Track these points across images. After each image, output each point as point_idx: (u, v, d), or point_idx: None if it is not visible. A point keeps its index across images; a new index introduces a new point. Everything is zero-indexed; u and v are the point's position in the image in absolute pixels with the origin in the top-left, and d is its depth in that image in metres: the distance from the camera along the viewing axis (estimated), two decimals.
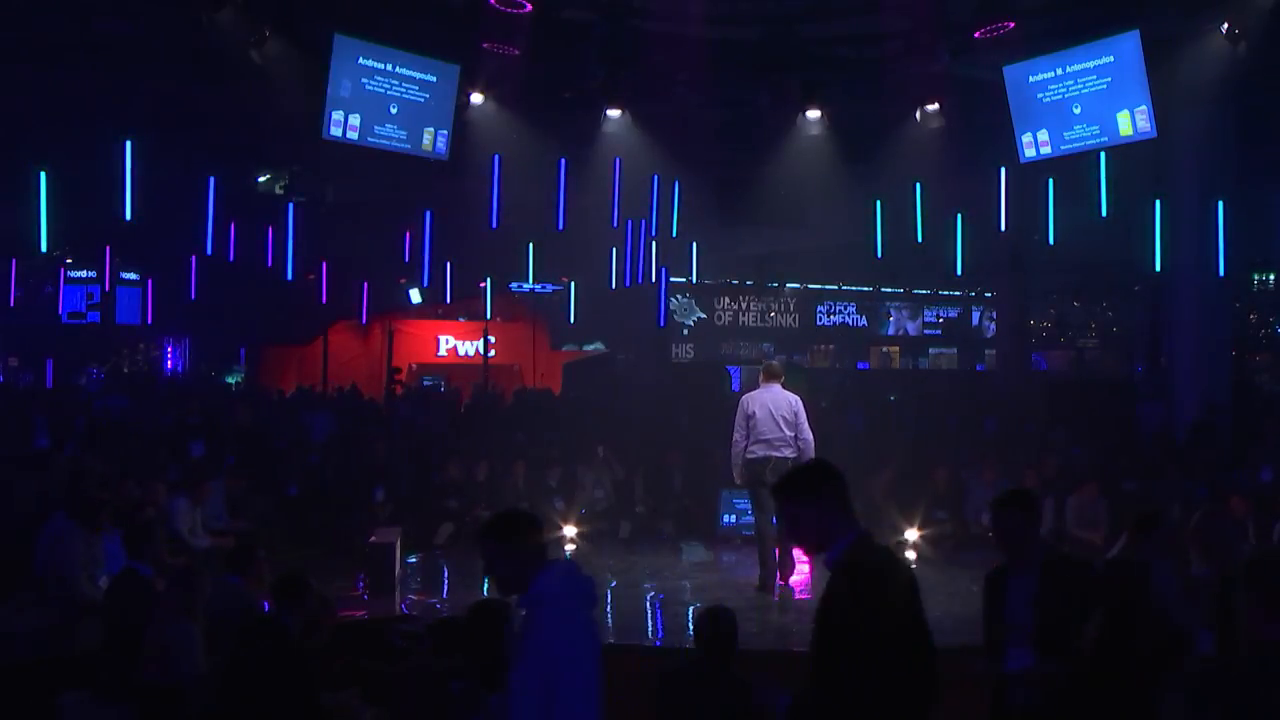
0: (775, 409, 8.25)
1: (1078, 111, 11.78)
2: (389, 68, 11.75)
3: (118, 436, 12.41)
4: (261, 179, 22.44)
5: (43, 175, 12.61)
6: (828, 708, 3.01)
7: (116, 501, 7.77)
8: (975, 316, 28.46)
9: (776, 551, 8.30)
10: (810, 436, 8.22)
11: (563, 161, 13.93)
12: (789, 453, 8.11)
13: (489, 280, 22.04)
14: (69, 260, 27.87)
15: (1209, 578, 4.66)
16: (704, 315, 25.32)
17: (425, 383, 22.55)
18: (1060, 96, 11.88)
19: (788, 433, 8.17)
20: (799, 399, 8.40)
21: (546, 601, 3.12)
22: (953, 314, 28.37)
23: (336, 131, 11.49)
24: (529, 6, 11.22)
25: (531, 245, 19.42)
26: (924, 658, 3.05)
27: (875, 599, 2.97)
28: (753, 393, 8.57)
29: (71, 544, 6.95)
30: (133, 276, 28.35)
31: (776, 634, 7.15)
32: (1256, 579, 2.93)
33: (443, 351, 23.79)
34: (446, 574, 9.29)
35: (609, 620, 7.63)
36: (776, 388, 8.45)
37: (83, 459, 9.94)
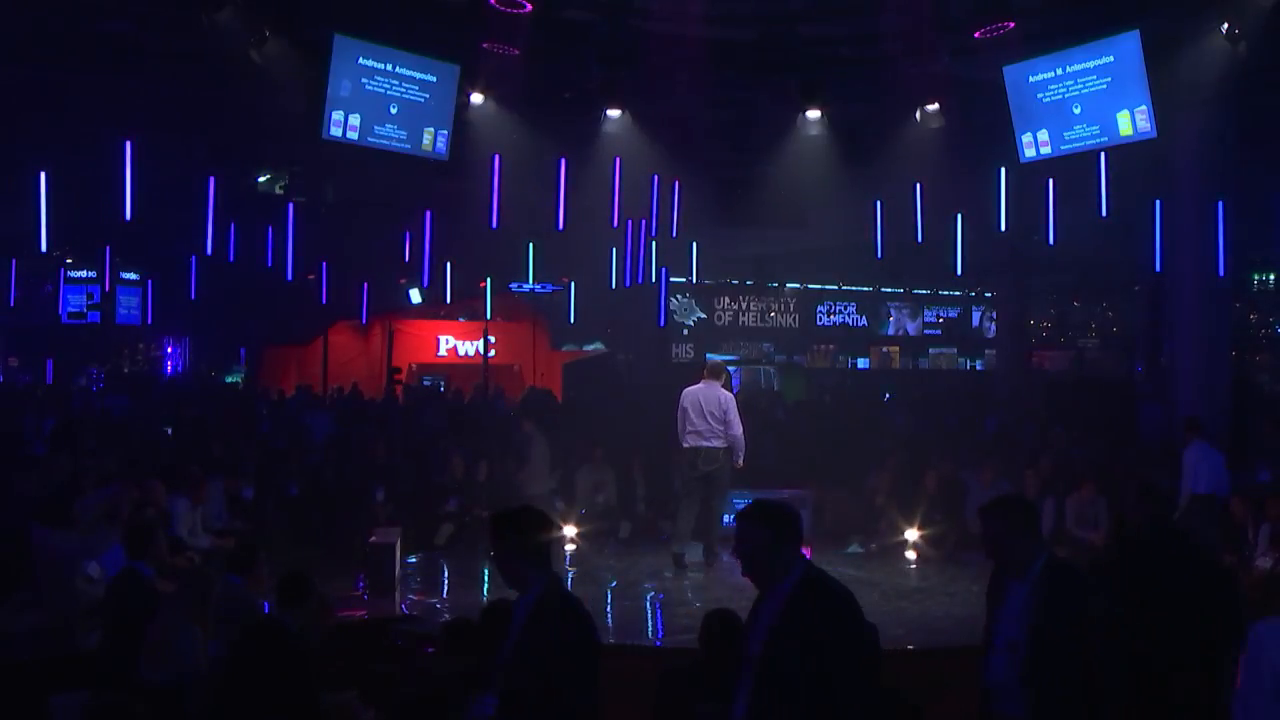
0: (705, 404, 9.06)
1: (1078, 111, 11.78)
2: (389, 68, 11.74)
3: (118, 436, 12.43)
4: (261, 179, 22.45)
5: (43, 175, 12.61)
6: None
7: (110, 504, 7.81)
8: (975, 317, 28.48)
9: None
10: (739, 432, 9.03)
11: (563, 161, 13.92)
12: (718, 443, 9.01)
13: (489, 280, 22.05)
14: (69, 260, 27.88)
15: None
16: (704, 315, 25.32)
17: (425, 382, 22.55)
18: (1060, 96, 11.88)
19: (716, 426, 9.01)
20: (730, 396, 9.19)
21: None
22: (953, 314, 28.38)
23: (336, 131, 11.48)
24: (529, 6, 11.22)
25: (531, 245, 19.43)
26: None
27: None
28: (690, 388, 9.28)
29: (52, 545, 6.98)
30: (133, 276, 28.36)
31: None
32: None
33: (443, 351, 23.78)
34: (446, 574, 9.29)
35: (609, 620, 7.63)
36: (712, 385, 9.20)
37: (70, 459, 9.92)
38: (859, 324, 26.99)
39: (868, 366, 26.94)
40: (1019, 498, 4.17)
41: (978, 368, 27.68)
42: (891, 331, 27.45)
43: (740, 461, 9.15)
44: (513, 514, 3.69)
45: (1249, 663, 3.12)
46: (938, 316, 28.24)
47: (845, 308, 26.93)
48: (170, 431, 13.65)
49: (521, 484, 10.65)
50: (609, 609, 7.97)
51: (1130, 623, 4.35)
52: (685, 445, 9.13)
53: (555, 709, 3.33)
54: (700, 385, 9.22)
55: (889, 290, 27.36)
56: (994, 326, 25.62)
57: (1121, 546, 4.83)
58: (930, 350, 28.38)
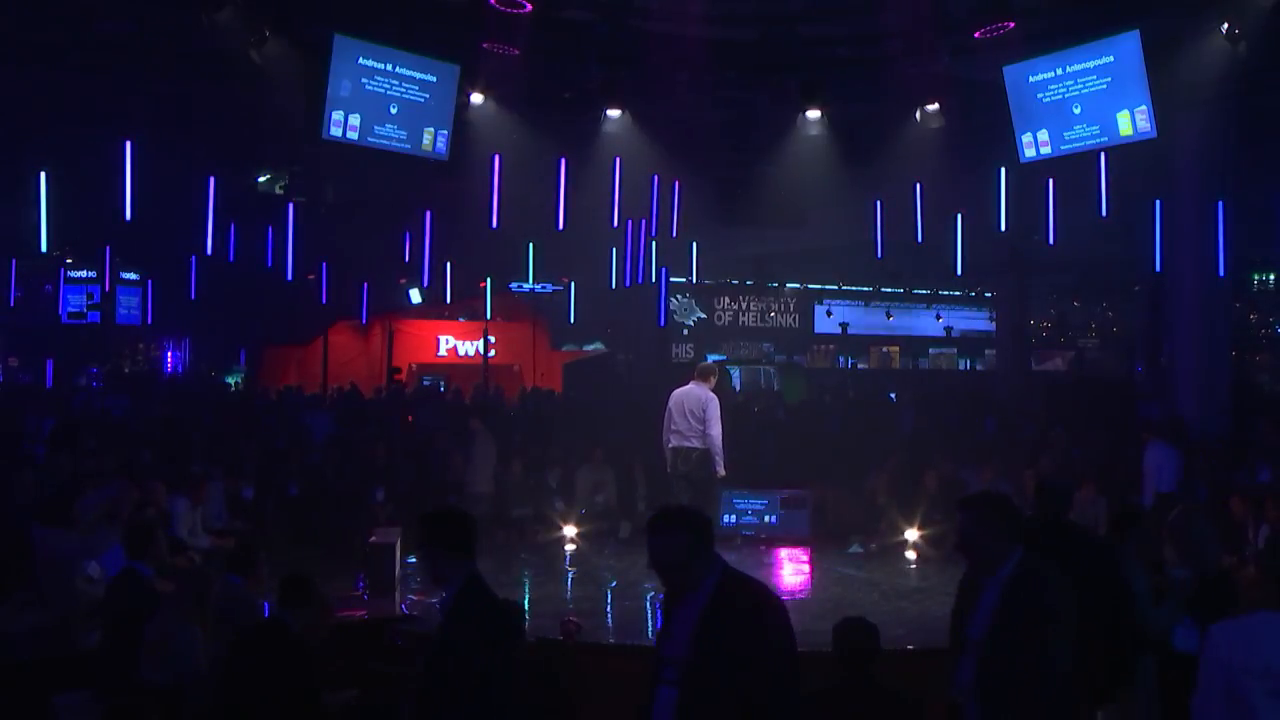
0: (687, 404, 9.08)
1: (1078, 111, 11.77)
2: (389, 68, 11.74)
3: (118, 436, 12.43)
4: (261, 179, 22.45)
5: (43, 175, 12.61)
6: None
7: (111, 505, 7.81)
8: (975, 317, 28.53)
9: None
10: (715, 432, 8.96)
11: (562, 161, 13.91)
12: (696, 443, 8.99)
13: (489, 280, 22.05)
14: (69, 260, 27.90)
15: (1187, 578, 4.67)
16: (704, 315, 25.36)
17: (425, 382, 22.56)
18: (1060, 96, 11.87)
19: (695, 425, 8.99)
20: (713, 398, 9.09)
21: None
22: (954, 314, 28.44)
23: (336, 131, 11.47)
24: (529, 6, 11.21)
25: (531, 245, 19.43)
26: None
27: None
28: (678, 389, 9.30)
29: (52, 545, 6.98)
30: (133, 276, 28.37)
31: None
32: None
33: (443, 351, 23.80)
34: None
35: (609, 620, 7.63)
36: (699, 386, 9.17)
37: (70, 459, 9.93)
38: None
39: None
40: (997, 495, 4.02)
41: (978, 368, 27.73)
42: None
43: (720, 469, 8.99)
44: (436, 514, 3.83)
45: (1205, 664, 3.11)
46: (938, 316, 28.31)
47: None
48: (170, 432, 13.63)
49: (466, 482, 10.64)
50: (609, 609, 7.97)
51: None
52: (668, 445, 9.18)
53: (475, 700, 3.41)
54: (688, 386, 9.23)
55: (889, 290, 27.40)
56: (994, 327, 25.65)
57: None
58: (930, 350, 28.43)
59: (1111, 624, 4.61)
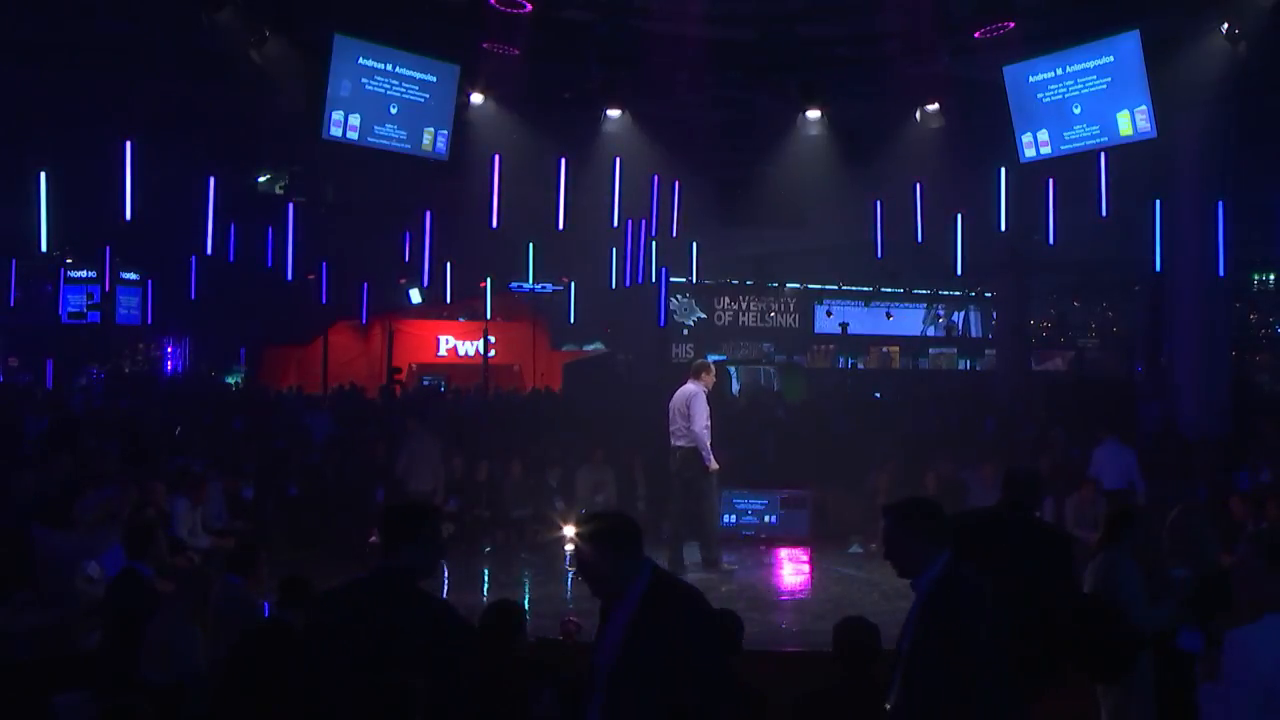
0: (676, 404, 9.11)
1: (1078, 111, 11.77)
2: (389, 68, 11.74)
3: (118, 437, 12.41)
4: (261, 179, 22.45)
5: (43, 175, 12.60)
6: None
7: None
8: (975, 317, 28.52)
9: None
10: (697, 427, 8.89)
11: (562, 161, 13.92)
12: (684, 443, 9.00)
13: (489, 280, 22.05)
14: (69, 260, 27.87)
15: (1187, 577, 4.67)
16: (704, 315, 25.34)
17: (425, 382, 22.57)
18: (1060, 96, 11.88)
19: (684, 424, 8.98)
20: (698, 393, 9.03)
21: None
22: (953, 314, 28.43)
23: (336, 131, 11.48)
24: (529, 6, 11.21)
25: (531, 245, 19.44)
26: None
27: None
28: (677, 390, 9.32)
29: (52, 545, 6.98)
30: (133, 276, 28.35)
31: (772, 634, 7.15)
32: None
33: (443, 351, 23.82)
34: (446, 574, 9.28)
35: None
36: (690, 384, 9.17)
37: (70, 459, 9.92)
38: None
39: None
40: (921, 499, 3.86)
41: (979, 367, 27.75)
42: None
43: (709, 462, 8.93)
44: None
45: (1235, 674, 3.06)
46: (938, 316, 28.32)
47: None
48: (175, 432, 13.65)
49: (405, 480, 10.63)
50: None
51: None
52: (671, 446, 9.25)
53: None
54: (684, 385, 9.29)
55: (889, 290, 27.40)
56: (994, 326, 25.65)
57: (974, 532, 4.83)
58: (930, 350, 28.43)
59: (1073, 612, 4.60)
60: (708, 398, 9.21)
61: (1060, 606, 4.56)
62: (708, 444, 8.94)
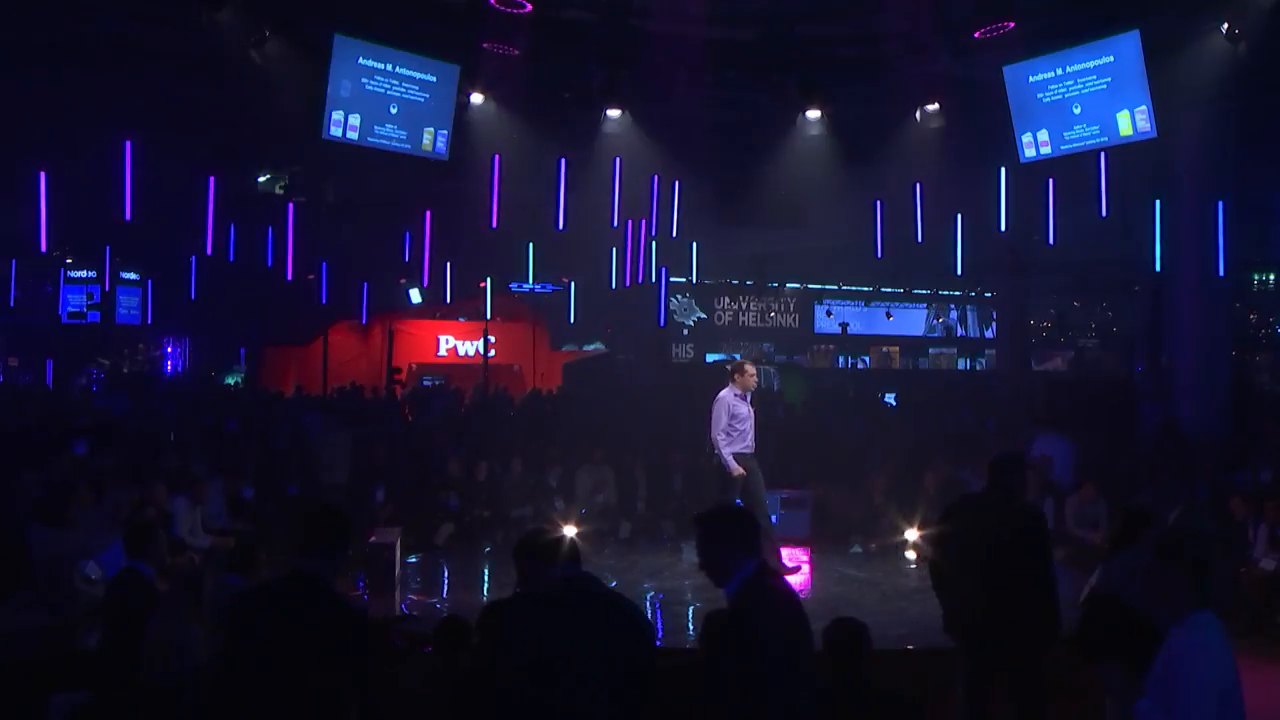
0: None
1: (1078, 111, 11.78)
2: (389, 68, 11.74)
3: (118, 436, 12.42)
4: (261, 179, 22.46)
5: (43, 175, 12.61)
6: None
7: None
8: (975, 317, 28.52)
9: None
10: (712, 434, 8.52)
11: (562, 161, 13.92)
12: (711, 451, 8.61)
13: (489, 280, 22.06)
14: (69, 260, 27.90)
15: None
16: (704, 315, 25.35)
17: (425, 383, 22.57)
18: (1060, 96, 11.88)
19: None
20: (720, 398, 8.61)
21: None
22: (953, 314, 28.44)
23: (336, 131, 11.48)
24: (529, 6, 11.22)
25: (531, 245, 19.44)
26: None
27: None
28: None
29: (51, 546, 6.98)
30: (133, 276, 28.38)
31: None
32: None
33: (443, 351, 23.80)
34: (446, 574, 9.29)
35: None
36: (725, 389, 8.80)
37: (70, 459, 9.93)
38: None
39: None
40: (731, 508, 3.92)
41: (979, 367, 27.74)
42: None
43: (729, 468, 8.50)
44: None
45: (1178, 677, 3.04)
46: (938, 316, 28.31)
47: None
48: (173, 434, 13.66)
49: (318, 473, 10.76)
50: None
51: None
52: None
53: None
54: None
55: (889, 290, 27.42)
56: (994, 326, 25.66)
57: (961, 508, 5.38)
58: (930, 350, 28.43)
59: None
60: (750, 399, 8.72)
61: (1032, 570, 4.85)
62: (724, 451, 8.49)
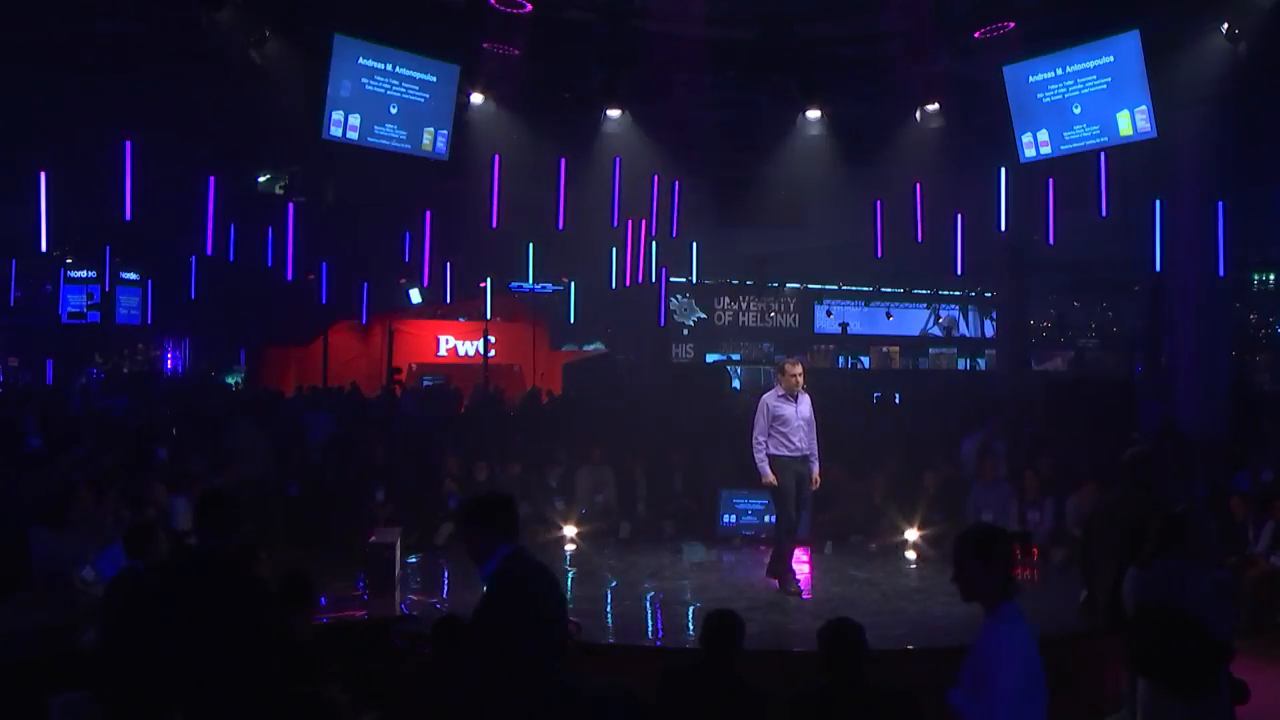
0: None
1: (1078, 111, 11.77)
2: (389, 68, 11.74)
3: (118, 437, 12.42)
4: (261, 179, 22.45)
5: (43, 175, 12.61)
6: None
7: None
8: (975, 316, 28.53)
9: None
10: (754, 438, 8.22)
11: (562, 161, 13.92)
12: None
13: (489, 280, 22.06)
14: (69, 260, 27.92)
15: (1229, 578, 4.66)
16: (704, 315, 25.37)
17: (425, 383, 22.56)
18: (1060, 96, 11.87)
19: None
20: (761, 401, 8.33)
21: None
22: (953, 314, 28.45)
23: (336, 131, 11.47)
24: (529, 6, 11.21)
25: (531, 245, 19.45)
26: None
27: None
28: None
29: (54, 546, 6.98)
30: (133, 276, 28.39)
31: (776, 634, 7.14)
32: None
33: (443, 351, 23.79)
34: (446, 574, 9.28)
35: (609, 620, 7.63)
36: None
37: (69, 459, 9.92)
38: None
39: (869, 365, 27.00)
40: (495, 495, 4.09)
41: (979, 367, 27.75)
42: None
43: (763, 475, 8.22)
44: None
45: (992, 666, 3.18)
46: (938, 316, 28.31)
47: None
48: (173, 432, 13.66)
49: (238, 468, 10.80)
50: (609, 609, 7.96)
51: None
52: None
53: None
54: None
55: (889, 290, 27.44)
56: (994, 326, 25.65)
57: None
58: (930, 350, 28.46)
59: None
60: (799, 399, 8.25)
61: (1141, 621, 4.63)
62: (759, 454, 8.17)
